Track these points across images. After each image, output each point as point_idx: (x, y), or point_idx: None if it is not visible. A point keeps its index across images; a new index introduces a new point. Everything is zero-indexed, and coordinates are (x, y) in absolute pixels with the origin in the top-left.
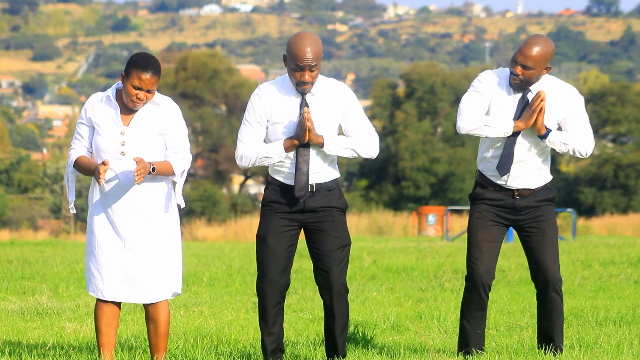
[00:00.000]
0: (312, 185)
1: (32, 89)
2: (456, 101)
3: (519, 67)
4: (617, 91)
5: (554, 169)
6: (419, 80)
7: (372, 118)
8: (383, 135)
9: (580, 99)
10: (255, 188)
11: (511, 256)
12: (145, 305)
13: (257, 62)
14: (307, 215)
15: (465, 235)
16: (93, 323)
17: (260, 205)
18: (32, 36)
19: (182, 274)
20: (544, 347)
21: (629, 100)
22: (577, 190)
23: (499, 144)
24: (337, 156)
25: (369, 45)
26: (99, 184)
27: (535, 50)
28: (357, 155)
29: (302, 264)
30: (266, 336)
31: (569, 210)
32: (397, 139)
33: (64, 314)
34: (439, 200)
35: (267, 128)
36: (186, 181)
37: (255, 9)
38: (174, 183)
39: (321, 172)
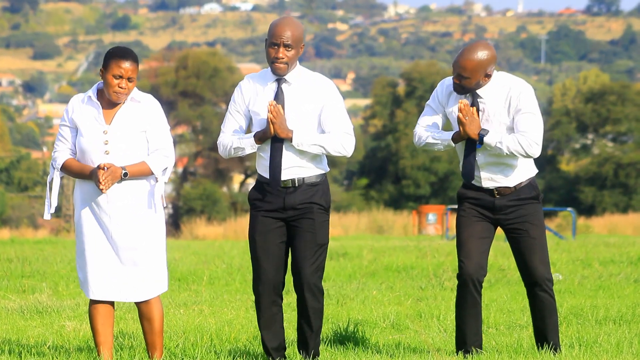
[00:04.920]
0: (293, 180)
1: (32, 88)
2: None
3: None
4: (618, 90)
5: (554, 168)
6: (420, 79)
7: (372, 117)
8: (383, 133)
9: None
10: None
11: (510, 255)
12: (138, 304)
13: (258, 61)
14: (288, 212)
15: None
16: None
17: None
18: (32, 34)
19: (180, 272)
20: (543, 346)
21: (629, 100)
22: (577, 189)
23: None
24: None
25: (370, 44)
26: (102, 191)
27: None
28: (326, 153)
29: None
30: (265, 335)
31: (569, 209)
32: (397, 137)
33: (63, 313)
34: (439, 199)
35: (250, 118)
36: (186, 180)
37: (255, 8)
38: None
39: (303, 166)
